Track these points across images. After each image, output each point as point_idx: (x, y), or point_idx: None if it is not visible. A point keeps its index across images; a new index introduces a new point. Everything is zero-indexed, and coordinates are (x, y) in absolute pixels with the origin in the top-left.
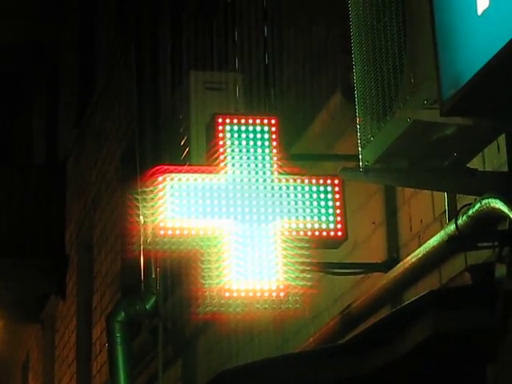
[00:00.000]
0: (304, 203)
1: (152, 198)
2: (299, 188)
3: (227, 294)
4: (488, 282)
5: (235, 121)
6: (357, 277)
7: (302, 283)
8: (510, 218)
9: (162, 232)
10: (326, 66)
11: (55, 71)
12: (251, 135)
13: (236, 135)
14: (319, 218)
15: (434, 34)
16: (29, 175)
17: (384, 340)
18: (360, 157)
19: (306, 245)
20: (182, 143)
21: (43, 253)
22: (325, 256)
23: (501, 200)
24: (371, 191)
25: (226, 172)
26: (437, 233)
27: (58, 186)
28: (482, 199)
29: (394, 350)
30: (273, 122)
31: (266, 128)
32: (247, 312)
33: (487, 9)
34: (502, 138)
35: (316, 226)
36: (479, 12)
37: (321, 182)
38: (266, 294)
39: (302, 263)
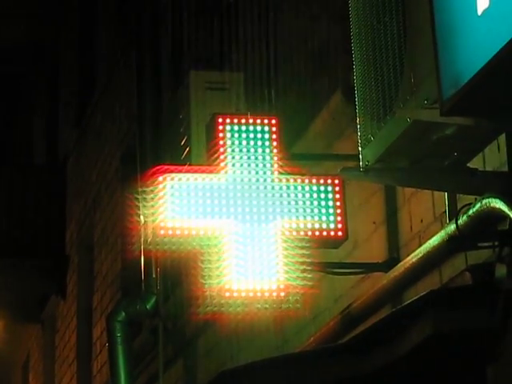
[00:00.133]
0: (304, 203)
1: (152, 198)
2: (299, 188)
3: (227, 294)
4: (488, 281)
5: (235, 121)
6: (357, 277)
7: (302, 283)
8: (510, 217)
9: (162, 232)
10: (327, 66)
11: (55, 71)
12: (251, 135)
13: (236, 135)
14: (319, 217)
15: (434, 33)
16: (29, 175)
17: (384, 340)
18: (360, 156)
19: (307, 245)
20: (183, 143)
21: (43, 253)
22: (325, 256)
23: (501, 200)
24: (371, 191)
25: (226, 172)
26: (437, 233)
27: (58, 185)
28: (483, 199)
29: (394, 349)
30: (273, 121)
31: (266, 128)
32: (247, 312)
33: (487, 9)
34: (502, 138)
35: (316, 225)
36: (479, 12)
37: (321, 181)
38: (267, 294)
39: (303, 263)
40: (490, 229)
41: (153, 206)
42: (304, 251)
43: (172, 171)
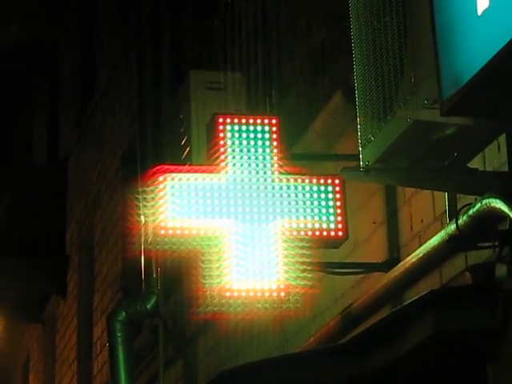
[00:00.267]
0: (304, 203)
1: (153, 198)
2: (300, 188)
3: (228, 294)
4: (488, 281)
5: (236, 120)
6: (357, 276)
7: (302, 283)
8: (510, 217)
9: (162, 232)
10: (327, 66)
11: (56, 71)
12: (252, 135)
13: (236, 135)
14: (320, 217)
15: (434, 33)
16: (29, 175)
17: (384, 340)
18: (360, 156)
19: (307, 244)
20: (183, 143)
21: (44, 253)
22: (325, 256)
23: (501, 200)
24: (372, 191)
25: (226, 172)
26: (437, 233)
27: (58, 185)
28: (483, 199)
29: (394, 349)
30: (273, 121)
31: (266, 128)
32: (248, 312)
33: (487, 9)
34: (502, 138)
35: (317, 225)
36: (479, 12)
37: (321, 181)
38: (267, 294)
39: (303, 263)
40: (490, 229)
41: (153, 206)
42: (304, 251)
43: (172, 171)
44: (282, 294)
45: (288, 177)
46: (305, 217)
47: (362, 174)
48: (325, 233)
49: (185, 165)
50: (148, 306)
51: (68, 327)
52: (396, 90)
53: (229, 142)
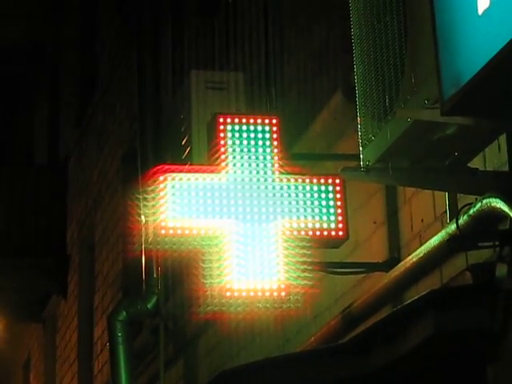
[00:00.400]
0: (305, 203)
1: (153, 198)
2: (300, 187)
3: (228, 294)
4: (489, 281)
5: (236, 120)
6: (358, 276)
7: (303, 283)
8: (510, 217)
9: (163, 231)
10: (327, 66)
11: (56, 71)
12: (252, 135)
13: (237, 135)
14: (320, 217)
15: (434, 33)
16: (30, 175)
17: (385, 339)
18: (361, 156)
19: (307, 244)
20: (183, 143)
21: (44, 252)
22: (326, 255)
23: (501, 199)
24: (372, 191)
25: (227, 172)
26: (438, 232)
27: (59, 185)
28: (483, 199)
29: (394, 349)
30: (274, 121)
31: (267, 127)
32: (248, 312)
33: (488, 9)
34: (502, 138)
35: (317, 225)
36: (480, 12)
37: (322, 181)
38: (267, 294)
39: (303, 263)
40: (490, 228)
41: (154, 206)
42: (305, 251)
43: (173, 171)
44: (283, 293)
45: (288, 176)
46: (305, 217)
47: (363, 173)
48: (325, 233)
49: (185, 165)
50: (148, 306)
51: (69, 327)
52: (396, 90)
53: (229, 142)
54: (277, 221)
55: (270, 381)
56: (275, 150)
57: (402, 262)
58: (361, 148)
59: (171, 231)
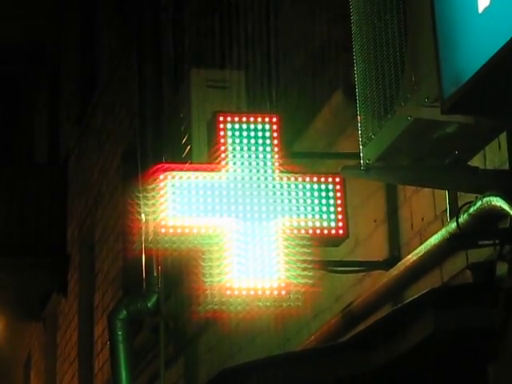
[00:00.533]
0: (305, 201)
1: (153, 197)
2: (300, 186)
3: (228, 293)
4: (489, 280)
5: (237, 119)
6: (358, 275)
7: (303, 281)
8: (510, 216)
9: (163, 230)
10: (328, 64)
11: (56, 70)
12: (253, 133)
13: (237, 133)
14: (320, 216)
15: (434, 31)
16: (30, 174)
17: (385, 338)
18: (361, 155)
19: (308, 243)
20: (184, 141)
21: (45, 251)
22: (326, 254)
23: (502, 198)
24: (372, 189)
25: (227, 170)
26: (438, 231)
27: (59, 184)
28: (483, 197)
29: (395, 348)
30: (274, 119)
31: (267, 126)
32: (248, 310)
33: (488, 7)
34: (503, 136)
35: (317, 224)
36: (480, 10)
37: (322, 179)
38: (268, 293)
39: (304, 261)
40: (490, 227)
41: (154, 205)
42: (305, 249)
43: (173, 169)
44: (283, 292)
45: (289, 175)
46: (305, 215)
47: (363, 172)
48: (325, 231)
49: (185, 163)
50: (149, 305)
51: (69, 325)
52: (397, 88)
53: (229, 141)
54: (277, 219)
55: (270, 379)
56: (275, 149)
57: (403, 261)
58: (361, 146)
59: (171, 230)
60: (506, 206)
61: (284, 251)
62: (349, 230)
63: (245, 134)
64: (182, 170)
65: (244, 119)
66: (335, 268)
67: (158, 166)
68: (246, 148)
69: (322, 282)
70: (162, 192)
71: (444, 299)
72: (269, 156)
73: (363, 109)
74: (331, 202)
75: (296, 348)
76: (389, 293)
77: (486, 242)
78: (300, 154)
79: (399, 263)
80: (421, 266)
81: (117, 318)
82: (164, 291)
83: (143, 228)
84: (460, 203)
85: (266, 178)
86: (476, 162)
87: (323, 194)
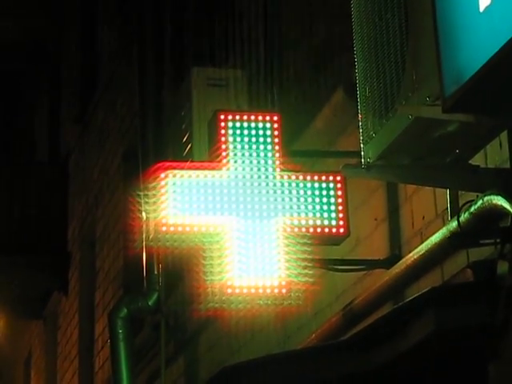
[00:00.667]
0: (306, 200)
1: (154, 195)
2: (301, 184)
3: (229, 291)
4: (490, 278)
5: (237, 117)
6: (359, 273)
7: (304, 280)
8: (511, 214)
9: (164, 228)
10: (329, 63)
11: (57, 69)
12: (253, 132)
13: (238, 132)
14: (321, 214)
15: (436, 30)
16: (31, 173)
17: (386, 337)
18: (362, 153)
19: (308, 241)
20: (184, 140)
21: (45, 249)
22: (327, 252)
23: (503, 197)
24: (373, 188)
25: (228, 168)
26: (439, 229)
27: (60, 183)
28: (484, 196)
29: (395, 346)
30: (275, 118)
31: (268, 124)
32: (249, 308)
33: (489, 5)
34: (504, 135)
35: (318, 222)
36: (481, 9)
37: (323, 178)
38: (268, 291)
39: (304, 260)
40: (491, 226)
41: (155, 203)
42: (306, 248)
43: (174, 168)
44: (284, 290)
45: (289, 173)
46: (306, 214)
47: (364, 171)
48: (326, 230)
49: (186, 161)
50: (149, 303)
51: (69, 324)
52: (398, 87)
53: (230, 139)
54: (278, 218)
55: (270, 377)
56: (276, 147)
57: (403, 259)
58: (362, 145)
59: (172, 228)
60: (506, 205)
61: (285, 249)
62: (349, 228)
63: (245, 132)
64: (182, 168)
65: (245, 118)
66: (336, 266)
67: (159, 164)
68: (246, 146)
69: (322, 280)
70: (162, 190)
71: (445, 298)
72: (269, 154)
73: (364, 108)
74: (332, 200)
75: (296, 346)
76: (389, 291)
77: (487, 241)
78: (301, 152)
79: (400, 262)
80: (421, 264)
81: (117, 316)
82: (165, 289)
83: (144, 226)
84: (461, 202)
85: (266, 177)
86: (477, 160)
87: (324, 192)
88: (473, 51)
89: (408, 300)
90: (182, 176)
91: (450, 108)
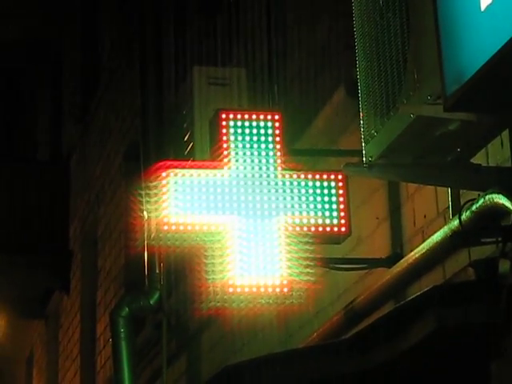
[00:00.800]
0: (308, 199)
1: (156, 194)
2: (303, 183)
3: (231, 290)
4: (491, 277)
5: (239, 116)
6: (360, 272)
7: (305, 278)
8: None
9: (165, 227)
10: (330, 62)
11: (59, 68)
12: (255, 131)
13: (239, 131)
14: (323, 213)
15: (437, 29)
16: (33, 172)
17: (387, 335)
18: (363, 152)
19: (310, 240)
20: (186, 139)
21: (47, 248)
22: (328, 251)
23: (504, 195)
24: (375, 187)
25: (229, 167)
26: (440, 228)
27: (61, 182)
28: (486, 195)
29: (397, 345)
30: (276, 117)
31: (269, 123)
32: (251, 307)
33: (490, 4)
34: (505, 134)
35: (320, 221)
36: (482, 8)
37: (324, 177)
38: (270, 290)
39: (306, 258)
40: (493, 224)
41: (156, 202)
42: (307, 247)
43: (175, 167)
44: (285, 289)
45: (291, 172)
46: (308, 212)
47: (365, 169)
48: (328, 228)
49: (188, 160)
50: (151, 302)
51: (71, 323)
52: (399, 86)
53: (232, 138)
54: (279, 217)
55: (272, 376)
56: (277, 146)
57: (405, 258)
58: (363, 144)
59: (174, 227)
60: (508, 204)
61: (286, 248)
62: (351, 227)
63: (247, 131)
64: (184, 167)
65: (246, 116)
66: (337, 265)
67: (161, 163)
68: (248, 145)
69: (324, 279)
70: (164, 189)
71: (446, 296)
72: (271, 153)
73: (365, 106)
74: (333, 199)
75: (298, 345)
76: (391, 290)
77: (489, 240)
78: (302, 151)
79: (401, 260)
80: (423, 263)
81: (119, 315)
82: (166, 288)
83: (146, 225)
84: (462, 201)
85: (268, 176)
86: (478, 159)
87: (325, 191)
88: (474, 50)
89: (409, 299)
90: (183, 175)
91: (452, 107)
